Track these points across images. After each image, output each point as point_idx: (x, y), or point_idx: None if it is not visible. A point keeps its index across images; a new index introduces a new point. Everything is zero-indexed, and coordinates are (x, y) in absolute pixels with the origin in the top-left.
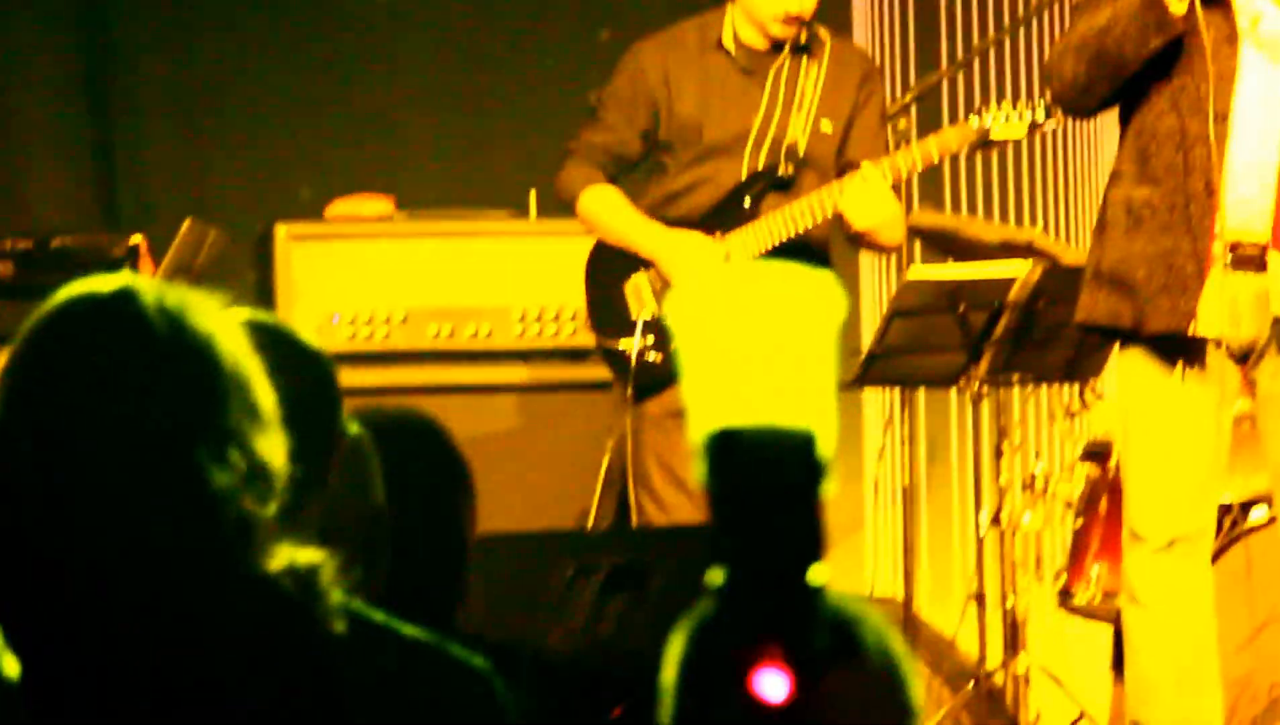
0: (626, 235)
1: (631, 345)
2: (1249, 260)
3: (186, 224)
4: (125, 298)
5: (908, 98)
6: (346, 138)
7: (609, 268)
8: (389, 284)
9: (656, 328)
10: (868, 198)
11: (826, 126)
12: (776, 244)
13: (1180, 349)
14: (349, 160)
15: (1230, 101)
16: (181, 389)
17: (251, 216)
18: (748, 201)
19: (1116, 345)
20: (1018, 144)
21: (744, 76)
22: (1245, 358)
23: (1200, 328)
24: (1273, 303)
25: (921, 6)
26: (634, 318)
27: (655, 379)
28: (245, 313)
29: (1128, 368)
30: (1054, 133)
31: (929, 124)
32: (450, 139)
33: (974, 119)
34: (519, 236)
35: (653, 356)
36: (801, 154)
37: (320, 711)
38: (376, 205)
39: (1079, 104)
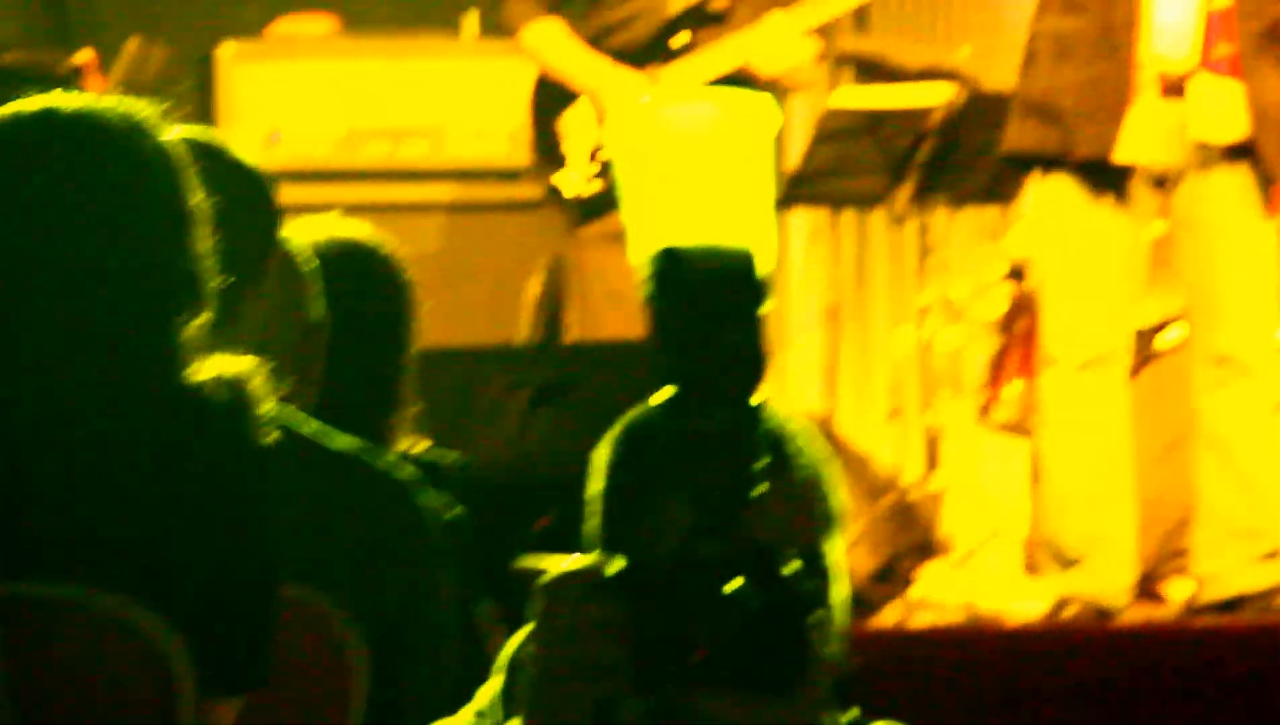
0: (566, 70)
1: (572, 173)
2: (1171, 87)
3: (133, 41)
4: (47, 115)
5: None
6: None
7: (552, 97)
8: (330, 103)
9: (597, 156)
10: (776, 46)
11: None
12: (710, 79)
13: (1101, 175)
14: None
15: None
16: (114, 203)
17: (197, 35)
18: (683, 36)
19: (1037, 171)
20: None
21: None
22: (1163, 182)
23: (1122, 154)
24: (1191, 128)
25: None
26: (576, 147)
27: (595, 205)
28: (185, 128)
29: (1049, 193)
30: None
31: None
32: None
33: None
34: (457, 57)
35: (593, 184)
36: None
37: (249, 521)
38: (319, 24)
39: None
